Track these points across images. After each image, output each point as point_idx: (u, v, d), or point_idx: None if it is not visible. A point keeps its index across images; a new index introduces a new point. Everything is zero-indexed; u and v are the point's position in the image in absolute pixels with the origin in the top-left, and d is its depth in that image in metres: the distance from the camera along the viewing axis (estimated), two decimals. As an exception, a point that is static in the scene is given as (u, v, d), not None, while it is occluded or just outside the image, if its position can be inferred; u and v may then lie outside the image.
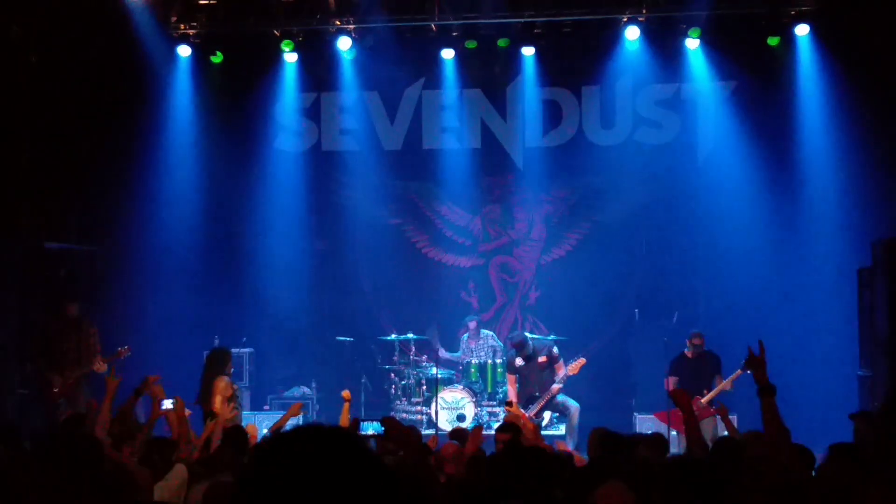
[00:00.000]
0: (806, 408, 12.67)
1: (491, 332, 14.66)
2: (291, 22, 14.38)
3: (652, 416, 12.70)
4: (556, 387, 12.27)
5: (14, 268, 13.41)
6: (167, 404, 8.68)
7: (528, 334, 13.32)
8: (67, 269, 13.75)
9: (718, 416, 11.95)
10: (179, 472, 6.77)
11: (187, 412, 9.02)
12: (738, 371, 11.77)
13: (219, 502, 5.17)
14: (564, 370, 12.31)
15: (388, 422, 7.43)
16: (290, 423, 9.40)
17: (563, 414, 12.67)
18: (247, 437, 8.04)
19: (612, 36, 14.32)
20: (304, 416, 12.04)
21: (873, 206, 13.40)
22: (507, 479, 5.08)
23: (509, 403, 11.67)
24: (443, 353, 14.30)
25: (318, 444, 2.35)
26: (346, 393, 9.79)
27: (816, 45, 13.99)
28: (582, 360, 12.26)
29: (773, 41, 14.11)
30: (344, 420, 9.15)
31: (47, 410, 12.02)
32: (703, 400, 11.84)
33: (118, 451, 7.55)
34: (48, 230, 14.01)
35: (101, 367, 12.01)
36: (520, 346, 12.61)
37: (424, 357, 14.31)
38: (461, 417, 13.67)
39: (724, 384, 11.87)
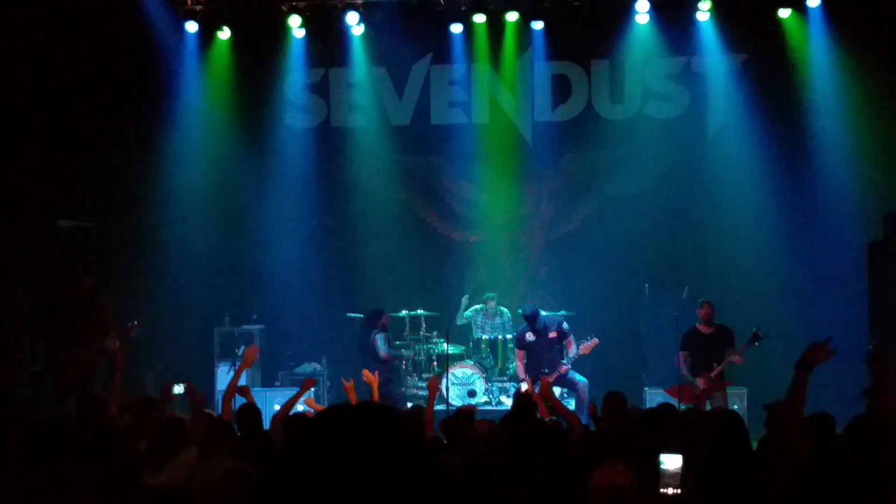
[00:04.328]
0: (816, 381, 12.64)
1: (507, 312, 14.63)
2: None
3: (662, 391, 12.69)
4: (564, 367, 12.25)
5: (25, 245, 13.45)
6: (177, 389, 8.66)
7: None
8: (78, 246, 13.76)
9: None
10: (191, 452, 6.78)
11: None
12: (745, 345, 11.77)
13: (235, 490, 5.17)
14: (575, 348, 12.28)
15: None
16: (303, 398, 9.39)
17: (571, 390, 12.67)
18: (260, 417, 8.02)
19: (622, 9, 14.29)
20: (315, 392, 11.99)
21: (884, 180, 13.34)
22: (515, 460, 5.09)
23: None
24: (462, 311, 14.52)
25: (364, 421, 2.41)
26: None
27: (827, 17, 13.90)
28: (595, 341, 12.23)
29: (783, 13, 14.04)
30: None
31: (61, 388, 12.00)
32: (713, 374, 11.83)
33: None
34: (59, 207, 14.03)
35: (112, 343, 11.99)
36: (531, 319, 12.56)
37: (435, 333, 14.32)
38: (472, 393, 13.70)
39: (732, 357, 11.83)
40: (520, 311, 13.72)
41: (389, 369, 13.10)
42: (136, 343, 12.38)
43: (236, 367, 12.96)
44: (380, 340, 12.87)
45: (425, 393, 13.87)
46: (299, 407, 9.05)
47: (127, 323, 12.27)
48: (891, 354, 11.26)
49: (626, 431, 6.69)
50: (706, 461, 5.57)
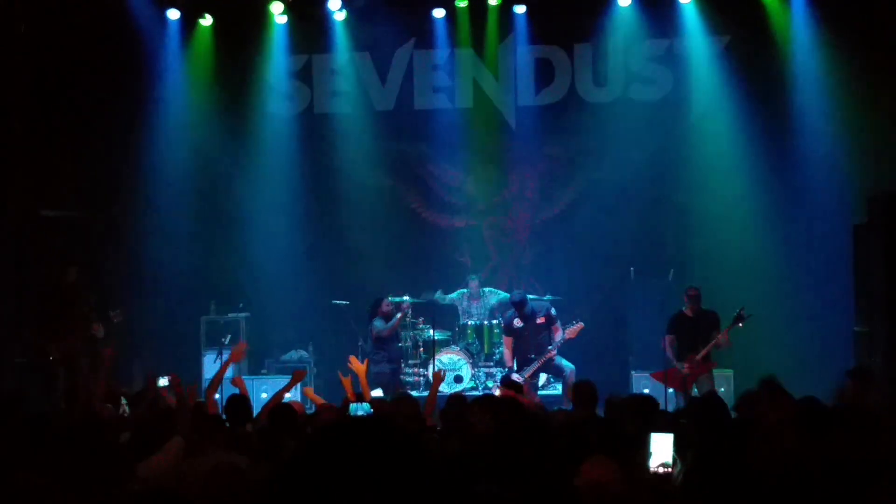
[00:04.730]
0: (802, 364, 12.73)
1: (491, 288, 14.66)
2: (281, -17, 14.31)
3: (648, 375, 12.72)
4: (551, 352, 12.25)
5: (10, 235, 13.40)
6: (162, 381, 8.64)
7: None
8: (63, 236, 13.73)
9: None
10: (176, 443, 6.75)
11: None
12: (729, 326, 11.80)
13: (224, 486, 5.15)
14: (561, 333, 12.27)
15: (376, 405, 7.56)
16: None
17: (558, 375, 12.68)
18: (250, 408, 8.00)
19: (604, -9, 14.29)
20: (303, 382, 11.95)
21: (868, 161, 13.35)
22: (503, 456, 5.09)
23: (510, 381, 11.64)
24: (435, 296, 14.45)
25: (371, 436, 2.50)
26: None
27: (809, -1, 13.94)
28: (580, 325, 12.23)
29: (766, -7, 14.07)
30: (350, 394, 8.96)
31: (46, 380, 12.00)
32: (698, 356, 11.86)
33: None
34: (43, 197, 13.98)
35: (98, 330, 12.05)
36: (520, 305, 12.55)
37: (421, 319, 14.32)
38: (458, 378, 13.72)
39: (717, 339, 11.85)
40: (506, 296, 13.76)
41: (392, 354, 12.96)
42: (120, 329, 12.44)
43: (223, 358, 13.03)
44: (376, 324, 12.86)
45: (412, 379, 13.94)
46: (287, 395, 9.05)
47: (110, 311, 12.32)
48: (875, 336, 11.36)
49: (611, 419, 6.73)
50: (695, 448, 5.59)
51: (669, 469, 5.35)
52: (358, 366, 9.38)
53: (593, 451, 5.28)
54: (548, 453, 5.31)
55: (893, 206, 11.39)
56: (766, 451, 5.51)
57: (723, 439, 6.07)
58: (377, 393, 10.47)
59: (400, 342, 13.79)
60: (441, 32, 14.93)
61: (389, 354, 12.87)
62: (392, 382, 12.59)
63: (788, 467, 5.02)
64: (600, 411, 8.19)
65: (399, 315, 12.94)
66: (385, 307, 12.92)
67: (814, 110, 13.94)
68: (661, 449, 5.38)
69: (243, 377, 13.24)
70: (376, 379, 12.52)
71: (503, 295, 14.39)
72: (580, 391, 8.19)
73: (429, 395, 9.03)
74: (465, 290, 14.68)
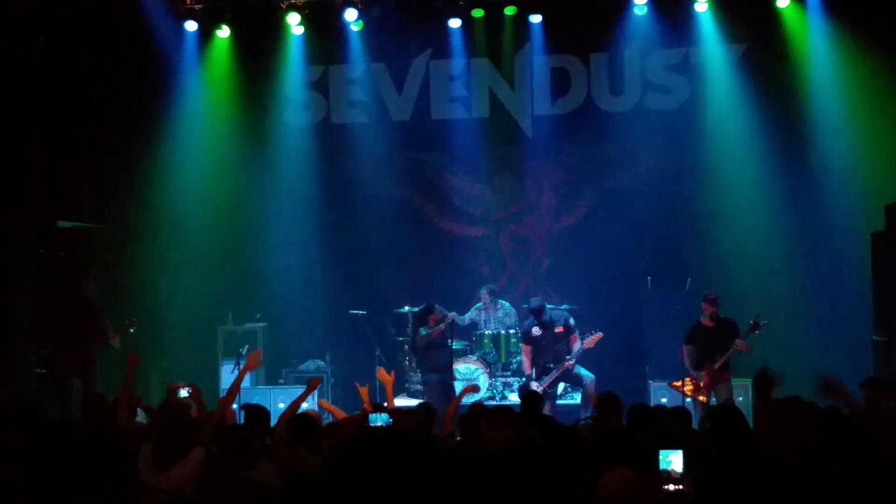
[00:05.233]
0: (820, 373, 12.65)
1: (507, 304, 14.63)
2: (297, -6, 14.38)
3: (665, 385, 12.66)
4: (570, 362, 12.23)
5: (27, 246, 13.47)
6: (182, 393, 8.65)
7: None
8: (80, 247, 13.80)
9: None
10: (196, 455, 6.75)
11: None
12: (745, 334, 11.72)
13: (244, 497, 5.17)
14: (580, 343, 12.24)
15: (394, 414, 7.58)
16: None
17: (577, 385, 12.64)
18: (269, 417, 8.00)
19: (620, 1, 14.24)
20: (319, 390, 11.95)
21: (886, 169, 13.33)
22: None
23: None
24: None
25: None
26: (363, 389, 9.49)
27: (826, 6, 13.88)
28: (599, 335, 12.18)
29: (782, 3, 14.01)
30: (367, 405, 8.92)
31: (60, 391, 12.05)
32: (716, 365, 11.80)
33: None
34: (60, 208, 14.05)
35: (115, 341, 12.14)
36: (538, 313, 12.51)
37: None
38: (476, 388, 13.67)
39: (735, 347, 11.76)
40: (524, 305, 13.73)
41: (433, 363, 12.81)
42: (137, 339, 12.50)
43: (240, 368, 13.08)
44: (423, 332, 12.75)
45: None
46: (304, 404, 9.04)
47: (125, 320, 12.39)
48: (894, 344, 11.30)
49: (628, 430, 6.70)
50: (707, 457, 5.57)
51: (681, 487, 5.33)
52: (385, 377, 9.37)
53: (616, 463, 5.27)
54: (565, 463, 5.30)
55: (912, 214, 11.35)
56: (776, 460, 5.50)
57: (739, 449, 6.05)
58: (408, 402, 10.45)
59: (449, 352, 13.34)
60: (457, 42, 14.96)
61: (433, 364, 12.79)
62: (439, 392, 12.45)
63: (800, 476, 5.00)
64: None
65: (443, 325, 12.83)
66: (437, 315, 12.81)
67: (831, 118, 13.88)
68: (671, 466, 5.37)
69: (261, 387, 13.41)
70: (425, 389, 12.57)
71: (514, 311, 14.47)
72: (603, 401, 8.17)
73: (453, 402, 9.05)
74: (479, 305, 14.64)
